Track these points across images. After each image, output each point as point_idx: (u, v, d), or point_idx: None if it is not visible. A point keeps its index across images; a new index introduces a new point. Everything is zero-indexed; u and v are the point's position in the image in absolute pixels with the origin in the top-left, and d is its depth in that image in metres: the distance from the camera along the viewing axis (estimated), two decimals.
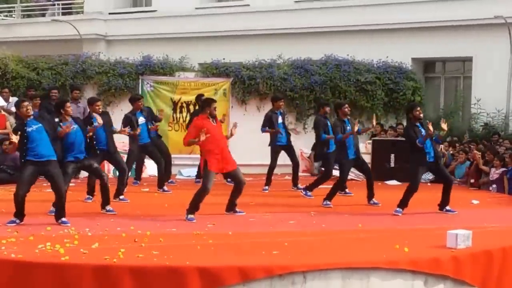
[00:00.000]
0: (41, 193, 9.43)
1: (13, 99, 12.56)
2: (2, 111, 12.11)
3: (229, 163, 8.26)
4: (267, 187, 10.85)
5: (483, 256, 6.45)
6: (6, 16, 24.76)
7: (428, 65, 17.53)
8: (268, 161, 10.86)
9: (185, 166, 13.15)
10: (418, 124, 8.74)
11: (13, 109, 12.17)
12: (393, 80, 14.71)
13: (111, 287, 5.48)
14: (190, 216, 8.04)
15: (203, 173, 8.25)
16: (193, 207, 8.08)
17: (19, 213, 7.52)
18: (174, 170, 12.61)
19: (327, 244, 6.75)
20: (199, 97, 11.70)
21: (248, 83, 14.40)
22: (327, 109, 10.46)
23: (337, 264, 5.83)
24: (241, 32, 18.07)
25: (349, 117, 9.64)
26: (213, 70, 14.75)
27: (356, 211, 8.73)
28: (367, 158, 13.55)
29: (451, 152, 13.36)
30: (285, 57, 15.34)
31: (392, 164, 13.04)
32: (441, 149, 13.35)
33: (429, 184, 12.90)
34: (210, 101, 8.34)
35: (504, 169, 11.49)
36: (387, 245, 6.52)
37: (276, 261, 5.83)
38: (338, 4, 17.39)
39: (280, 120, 10.75)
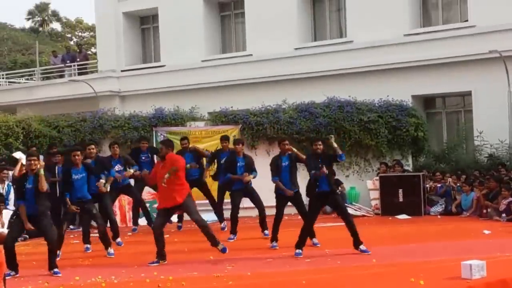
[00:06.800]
0: (69, 244, 9.80)
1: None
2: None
3: (166, 199, 8.64)
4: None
5: (499, 285, 6.50)
6: (27, 79, 25.77)
7: (428, 101, 17.97)
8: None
9: (200, 212, 13.43)
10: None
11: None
12: (395, 118, 15.05)
13: None
14: (154, 260, 8.45)
15: None
16: (158, 253, 8.50)
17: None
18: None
19: (343, 280, 6.95)
20: (222, 138, 11.91)
21: (256, 128, 14.85)
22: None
23: None
24: (246, 80, 18.74)
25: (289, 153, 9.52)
26: (222, 118, 15.25)
27: (369, 246, 8.94)
28: (375, 194, 13.95)
29: (459, 184, 13.66)
30: (290, 101, 15.81)
31: (401, 199, 13.32)
32: (449, 182, 13.73)
33: (439, 216, 13.19)
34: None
35: (511, 198, 11.75)
36: (403, 279, 6.67)
37: None
38: (336, 48, 18.03)
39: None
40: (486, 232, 10.31)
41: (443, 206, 13.44)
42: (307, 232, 8.86)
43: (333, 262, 8.14)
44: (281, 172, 9.41)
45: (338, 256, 8.55)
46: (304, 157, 9.40)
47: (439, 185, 13.89)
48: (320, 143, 8.75)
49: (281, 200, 9.58)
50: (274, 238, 9.64)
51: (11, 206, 11.98)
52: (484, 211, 12.33)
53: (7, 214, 11.52)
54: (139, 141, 12.42)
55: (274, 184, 9.54)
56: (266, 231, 10.50)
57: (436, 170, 14.68)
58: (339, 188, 12.82)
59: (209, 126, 15.10)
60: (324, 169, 8.45)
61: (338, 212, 9.01)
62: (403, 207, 13.19)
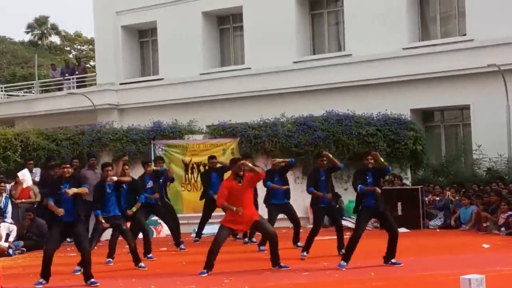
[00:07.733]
0: (65, 257, 9.74)
1: (37, 170, 13.26)
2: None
3: (242, 223, 8.50)
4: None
5: None
6: (26, 92, 25.83)
7: (427, 114, 18.01)
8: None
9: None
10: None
11: (37, 179, 12.91)
12: (393, 131, 15.03)
13: None
14: (203, 270, 8.31)
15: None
16: (207, 262, 8.34)
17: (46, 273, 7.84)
18: (189, 228, 12.93)
19: None
20: (210, 158, 12.21)
21: (254, 141, 14.82)
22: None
23: None
24: (244, 94, 18.79)
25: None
26: (220, 131, 15.23)
27: (368, 259, 8.91)
28: None
29: (457, 198, 13.63)
30: (288, 115, 15.82)
31: (400, 212, 13.29)
32: (448, 196, 13.69)
33: (437, 230, 13.15)
34: (234, 161, 8.64)
35: (510, 212, 11.72)
36: None
37: None
38: (334, 62, 18.12)
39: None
40: (485, 246, 10.27)
41: (442, 219, 13.41)
42: (354, 244, 8.67)
43: (331, 276, 8.09)
44: (320, 188, 9.64)
45: (336, 269, 8.48)
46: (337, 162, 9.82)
47: (438, 198, 13.87)
48: (371, 157, 8.78)
49: (319, 213, 9.87)
50: (306, 249, 9.72)
51: (9, 219, 11.95)
52: (484, 224, 12.30)
53: (4, 227, 11.49)
54: (155, 161, 12.15)
55: (310, 197, 9.86)
56: (299, 243, 10.67)
57: (435, 184, 14.66)
58: (337, 201, 12.80)
59: (207, 139, 15.08)
60: (378, 190, 8.59)
61: (386, 226, 8.90)
62: (402, 221, 13.08)
